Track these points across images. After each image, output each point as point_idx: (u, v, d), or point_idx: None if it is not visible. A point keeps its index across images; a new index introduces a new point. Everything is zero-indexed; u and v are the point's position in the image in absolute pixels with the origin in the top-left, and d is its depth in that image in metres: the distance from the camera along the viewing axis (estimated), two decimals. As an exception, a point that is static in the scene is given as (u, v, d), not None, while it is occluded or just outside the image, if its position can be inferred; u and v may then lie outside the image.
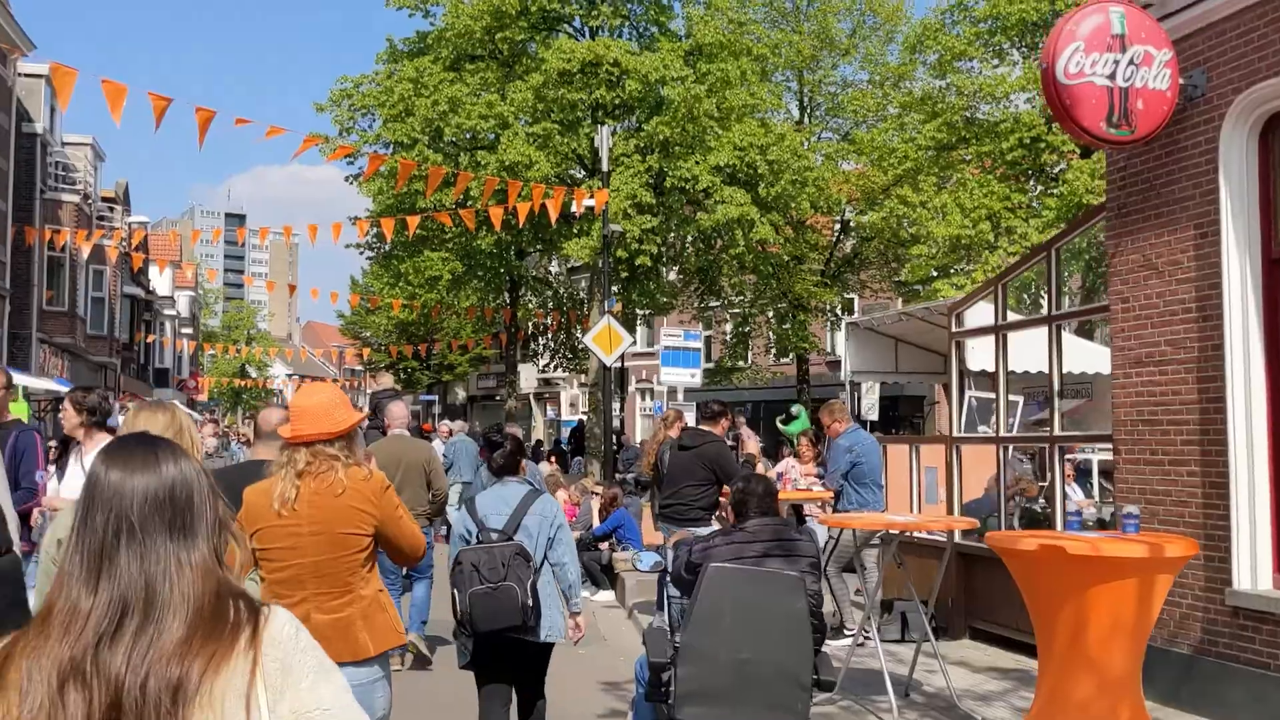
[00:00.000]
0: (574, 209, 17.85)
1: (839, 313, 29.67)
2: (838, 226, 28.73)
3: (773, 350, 35.22)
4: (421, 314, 35.67)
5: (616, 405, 49.97)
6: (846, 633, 8.64)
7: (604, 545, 12.18)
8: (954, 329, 9.27)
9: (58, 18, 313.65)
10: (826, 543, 8.93)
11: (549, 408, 56.40)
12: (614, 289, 25.06)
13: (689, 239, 22.40)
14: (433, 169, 14.77)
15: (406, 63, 21.87)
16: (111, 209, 35.80)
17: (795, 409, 21.41)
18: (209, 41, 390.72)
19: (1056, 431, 7.86)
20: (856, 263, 27.88)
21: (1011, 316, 9.03)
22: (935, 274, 22.88)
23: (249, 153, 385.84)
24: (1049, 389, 8.04)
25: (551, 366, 36.87)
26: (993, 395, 15.34)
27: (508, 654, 4.87)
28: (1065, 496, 7.85)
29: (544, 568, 4.94)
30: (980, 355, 14.74)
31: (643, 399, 49.55)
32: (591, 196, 17.77)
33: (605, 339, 17.69)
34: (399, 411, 8.36)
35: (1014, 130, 20.77)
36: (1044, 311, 8.19)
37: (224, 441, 18.56)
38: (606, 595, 11.77)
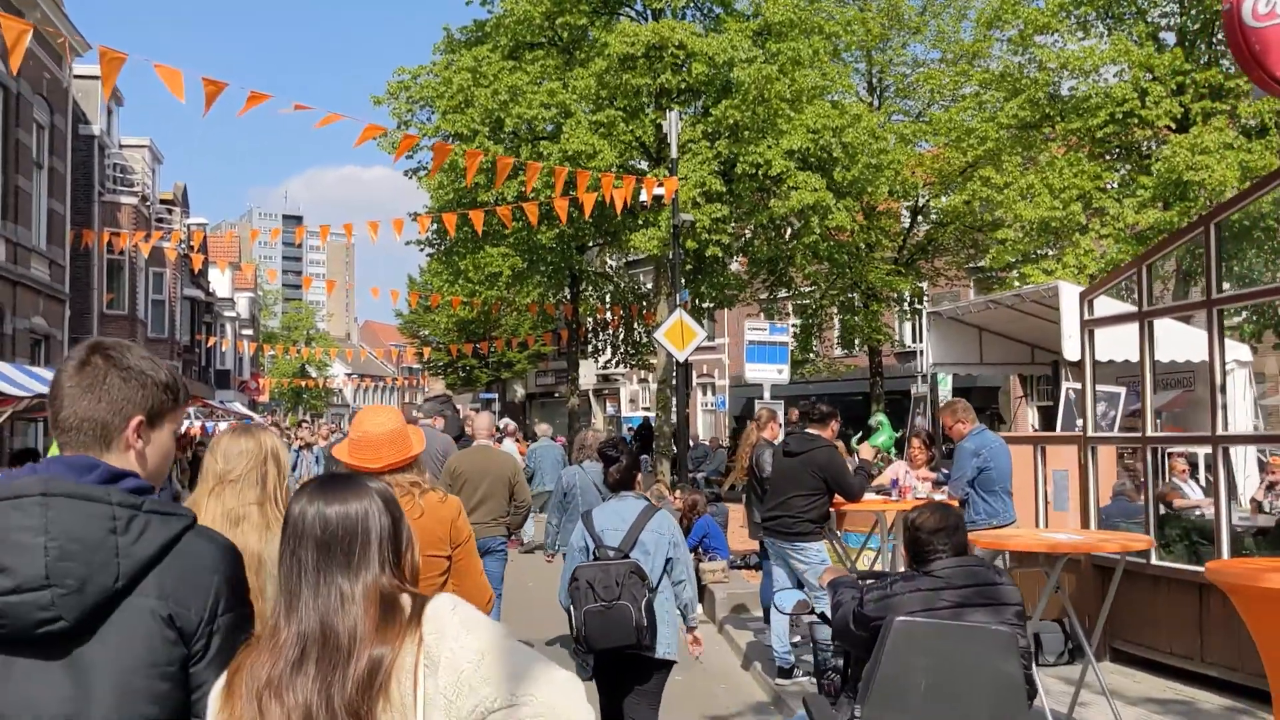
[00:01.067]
0: (643, 198, 17.02)
1: (912, 302, 28.53)
2: (907, 214, 27.57)
3: (838, 342, 34.16)
4: (482, 311, 35.11)
5: (678, 400, 49.21)
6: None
7: (689, 555, 11.34)
8: (1087, 316, 8.30)
9: (112, 20, 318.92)
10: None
11: (609, 404, 55.75)
12: (681, 281, 24.25)
13: (758, 228, 21.38)
14: (500, 159, 14.04)
15: (464, 52, 21.18)
16: (170, 211, 35.65)
17: (875, 420, 20.27)
18: (262, 42, 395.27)
19: (1220, 430, 6.89)
20: (930, 249, 26.72)
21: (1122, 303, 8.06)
22: (1017, 260, 21.75)
23: (304, 155, 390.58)
24: (1210, 381, 7.08)
25: (613, 362, 36.06)
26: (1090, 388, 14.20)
27: (627, 669, 4.89)
28: (1230, 506, 6.89)
29: (663, 585, 4.92)
30: (1075, 345, 13.71)
31: (704, 394, 48.65)
32: (660, 185, 16.97)
33: (677, 334, 16.90)
34: (484, 422, 8.14)
35: (1104, 105, 19.59)
36: (1199, 295, 7.18)
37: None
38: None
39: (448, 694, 1.78)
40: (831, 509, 7.69)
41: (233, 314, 51.35)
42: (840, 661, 4.09)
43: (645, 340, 34.83)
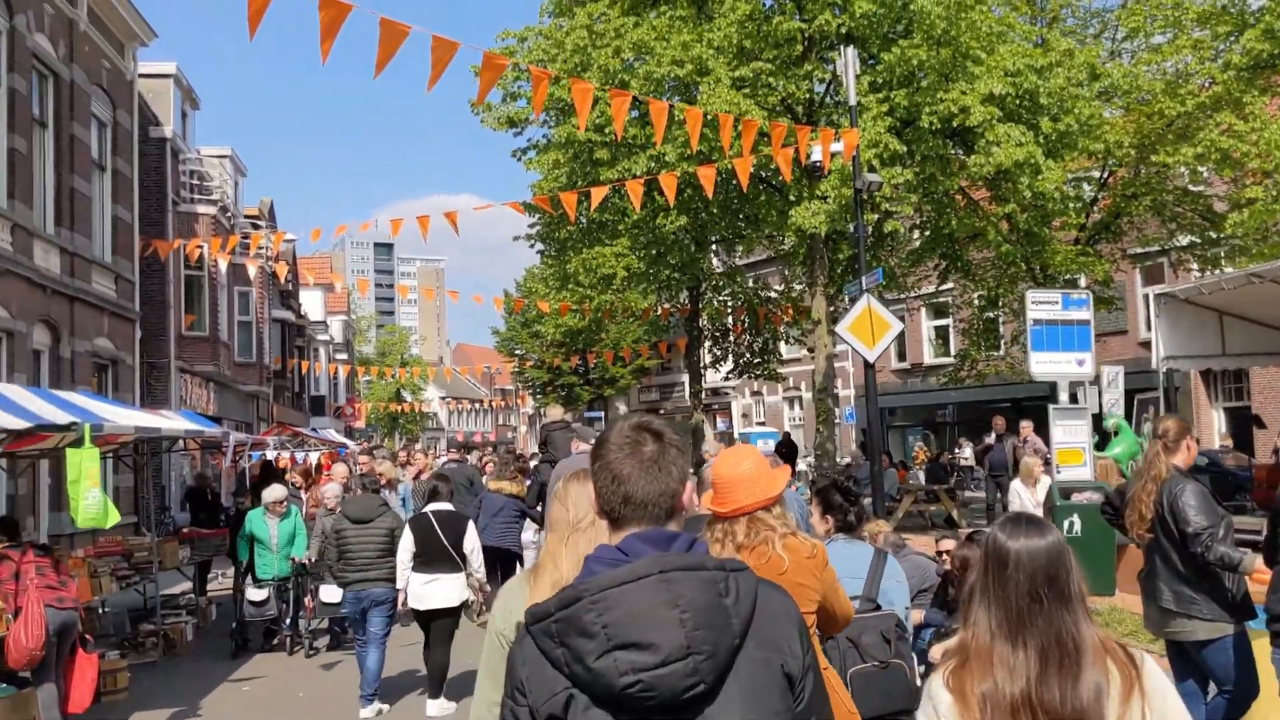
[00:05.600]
0: (816, 158, 13.55)
1: (1094, 289, 24.35)
2: (1089, 184, 23.40)
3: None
4: (593, 318, 31.87)
5: (796, 412, 45.15)
6: None
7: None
8: None
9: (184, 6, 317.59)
10: None
11: (719, 419, 52.06)
12: (836, 271, 20.66)
13: (943, 196, 17.46)
14: (653, 102, 10.73)
15: (578, 10, 17.97)
16: (255, 226, 33.19)
17: (1112, 422, 16.36)
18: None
19: None
20: (1121, 226, 22.58)
21: None
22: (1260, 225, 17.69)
23: (388, 188, 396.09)
24: None
25: (735, 373, 32.51)
26: None
27: None
28: None
29: None
30: None
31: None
32: (838, 139, 13.48)
33: (865, 326, 13.42)
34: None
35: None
36: None
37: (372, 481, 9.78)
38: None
39: None
40: None
41: (326, 338, 49.07)
42: None
43: (771, 347, 31.27)
